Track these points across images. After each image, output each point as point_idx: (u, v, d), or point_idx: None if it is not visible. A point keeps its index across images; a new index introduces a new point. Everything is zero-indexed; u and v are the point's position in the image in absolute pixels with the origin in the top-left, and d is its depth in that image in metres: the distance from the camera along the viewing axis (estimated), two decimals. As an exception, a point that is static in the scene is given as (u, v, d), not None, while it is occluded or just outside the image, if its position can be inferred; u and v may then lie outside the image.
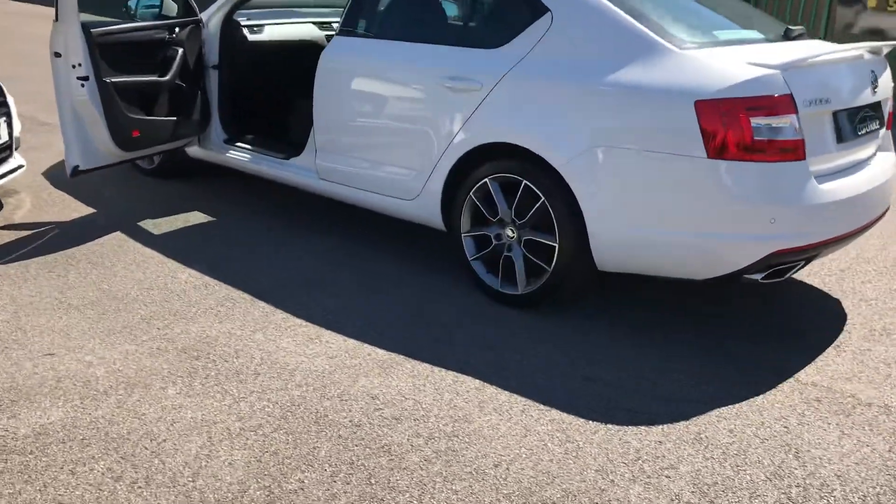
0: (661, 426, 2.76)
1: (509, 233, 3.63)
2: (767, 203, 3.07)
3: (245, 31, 4.98)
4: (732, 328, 3.53)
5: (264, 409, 2.76)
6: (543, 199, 3.43)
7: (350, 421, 2.71)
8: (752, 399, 2.96)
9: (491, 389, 2.95)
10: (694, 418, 2.82)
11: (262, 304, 3.57)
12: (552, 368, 3.12)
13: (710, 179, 3.07)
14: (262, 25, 5.07)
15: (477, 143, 3.61)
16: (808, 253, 3.21)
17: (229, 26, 4.85)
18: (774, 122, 3.03)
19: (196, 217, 4.66)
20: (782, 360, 3.25)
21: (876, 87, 3.50)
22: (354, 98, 4.07)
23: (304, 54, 5.21)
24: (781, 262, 3.18)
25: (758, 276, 3.20)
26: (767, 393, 3.01)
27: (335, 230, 4.58)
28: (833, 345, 3.42)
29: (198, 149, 5.01)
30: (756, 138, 3.01)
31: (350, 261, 4.13)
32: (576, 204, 3.36)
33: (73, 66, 3.95)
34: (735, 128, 3.01)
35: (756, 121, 3.01)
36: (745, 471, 2.54)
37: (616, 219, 3.27)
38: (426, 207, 3.91)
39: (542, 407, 2.86)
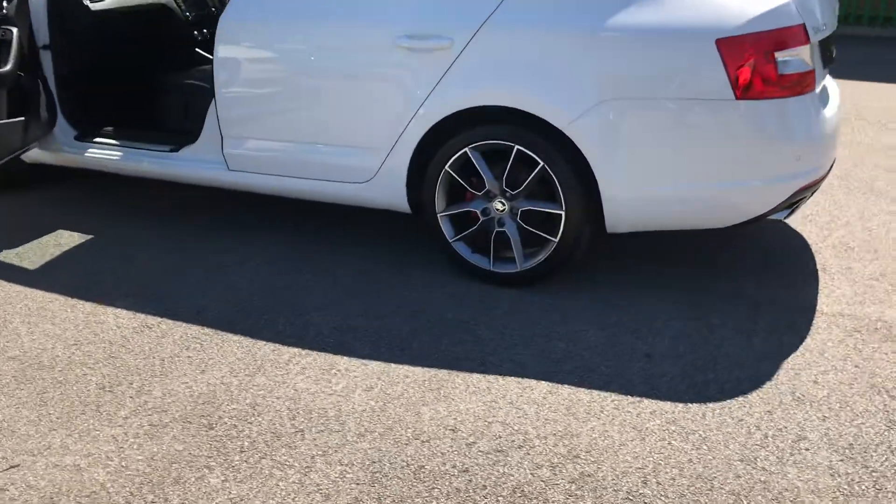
0: (755, 393, 2.58)
1: (498, 206, 3.23)
2: (794, 140, 2.94)
3: (82, -2, 4.00)
4: (728, 275, 3.43)
5: (344, 475, 2.21)
6: (542, 164, 3.07)
7: (453, 467, 2.25)
8: (803, 344, 2.88)
9: (565, 390, 2.60)
10: (774, 377, 2.67)
11: (234, 337, 2.91)
12: (606, 351, 2.83)
13: (738, 122, 2.88)
14: (99, -10, 4.09)
15: (452, 109, 3.14)
16: (816, 188, 3.15)
17: (59, -6, 3.87)
18: (793, 54, 2.88)
19: (66, 237, 3.75)
20: (794, 296, 3.20)
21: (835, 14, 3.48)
22: (275, 71, 3.40)
23: (155, 22, 4.34)
24: (798, 200, 3.09)
25: (781, 216, 3.09)
26: (812, 334, 2.93)
27: (270, 228, 3.89)
28: (820, 269, 3.43)
29: (39, 151, 4.02)
30: (781, 73, 2.85)
31: (313, 263, 3.51)
32: (584, 166, 3.03)
33: None
34: (761, 64, 2.82)
35: (780, 55, 2.84)
36: (863, 423, 2.43)
37: (632, 177, 3.00)
38: (386, 189, 3.39)
39: (631, 399, 2.56)
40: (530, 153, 3.08)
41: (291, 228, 3.88)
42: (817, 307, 3.13)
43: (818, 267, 3.49)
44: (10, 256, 3.53)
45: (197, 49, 4.52)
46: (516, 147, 3.10)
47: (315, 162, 3.46)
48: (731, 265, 3.49)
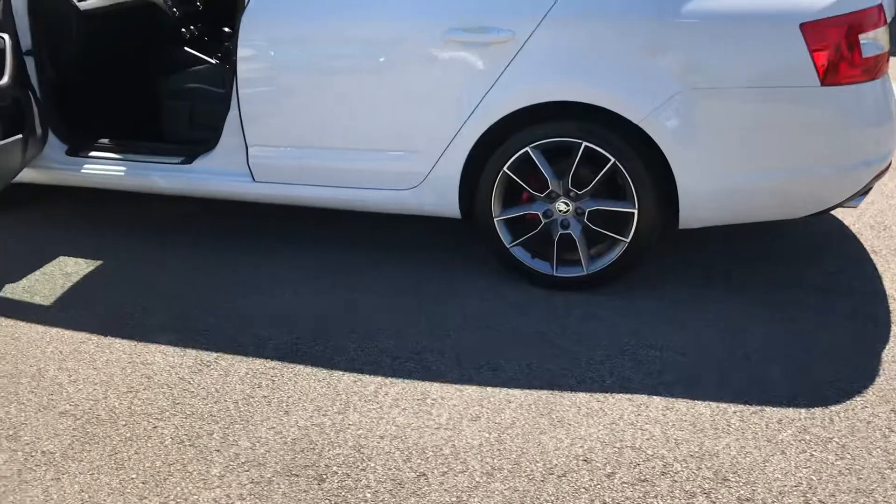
0: (870, 391, 2.49)
1: (562, 207, 3.05)
2: (873, 125, 2.85)
3: (68, -4, 3.57)
4: (787, 264, 3.35)
5: (491, 525, 2.00)
6: (614, 160, 2.90)
7: (612, 500, 2.07)
8: (893, 332, 2.80)
9: (681, 405, 2.45)
10: (881, 371, 2.59)
11: (306, 369, 2.64)
12: (701, 356, 2.69)
13: (821, 109, 2.76)
14: (84, -14, 3.67)
15: (515, 107, 2.93)
16: (885, 173, 3.08)
17: (42, -8, 3.46)
18: (872, 36, 2.77)
19: (71, 264, 3.38)
20: (859, 282, 3.13)
21: None
22: (308, 72, 3.12)
23: (142, 20, 3.95)
24: (870, 186, 3.01)
25: (856, 203, 3.01)
26: (888, 324, 2.86)
27: (293, 241, 3.59)
28: (870, 251, 3.38)
29: (27, 170, 3.61)
30: (864, 56, 2.74)
31: (356, 279, 3.25)
32: (660, 160, 2.88)
33: None
34: (845, 48, 2.71)
35: (863, 37, 2.74)
36: None
37: (711, 170, 2.86)
38: (435, 194, 3.16)
39: (751, 408, 2.43)
40: (600, 150, 2.90)
41: (318, 241, 3.60)
42: (887, 292, 3.07)
43: (867, 249, 3.43)
44: (19, 292, 3.15)
45: (186, 48, 4.14)
46: (584, 144, 2.91)
47: (354, 169, 3.20)
48: (783, 253, 3.40)
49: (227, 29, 4.18)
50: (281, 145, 3.23)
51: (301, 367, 2.65)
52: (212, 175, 3.39)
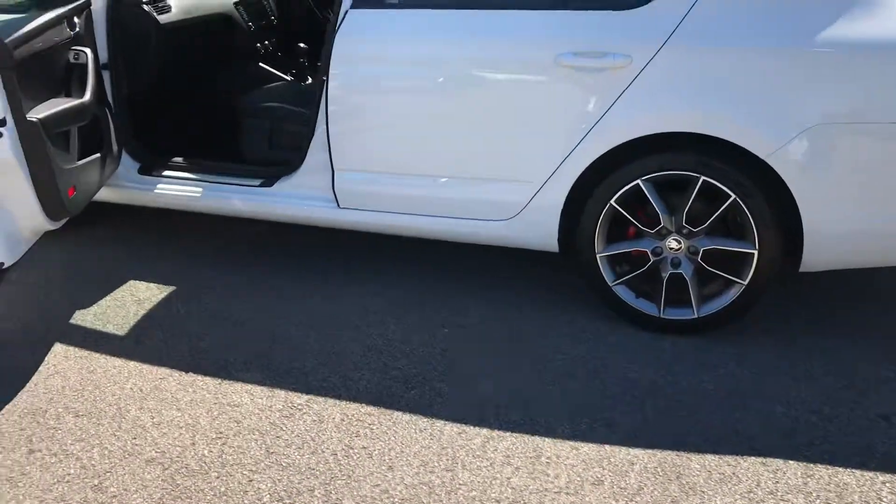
0: None
1: (673, 244, 2.83)
2: None
3: (149, 9, 3.42)
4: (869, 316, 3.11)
5: None
6: (734, 197, 2.68)
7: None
8: None
9: (822, 472, 2.22)
10: None
11: (405, 416, 2.45)
12: (832, 414, 2.46)
13: (969, 147, 2.53)
14: (164, -1, 3.52)
15: (629, 136, 2.72)
16: None
17: (121, 4, 3.30)
18: None
19: (143, 289, 3.22)
20: None
21: None
22: (404, 95, 2.93)
23: (219, 35, 3.80)
24: None
25: None
26: None
27: (371, 269, 3.41)
28: None
29: (97, 188, 3.45)
30: None
31: (444, 314, 3.05)
32: (785, 198, 2.65)
33: (-21, 107, 2.34)
34: None
35: None
36: None
37: (843, 210, 2.63)
38: (533, 226, 2.96)
39: (903, 478, 2.19)
40: (720, 185, 2.69)
41: (404, 271, 3.40)
42: None
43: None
44: (90, 319, 2.99)
45: (261, 64, 3.99)
46: (702, 178, 2.70)
47: (447, 197, 3.01)
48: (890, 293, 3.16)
49: (302, 45, 4.02)
50: (370, 170, 3.05)
51: (399, 413, 2.45)
52: (293, 199, 3.22)
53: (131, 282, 3.28)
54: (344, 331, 2.92)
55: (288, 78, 4.00)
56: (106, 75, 3.28)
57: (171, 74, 3.58)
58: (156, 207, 3.48)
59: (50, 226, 2.73)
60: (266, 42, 4.06)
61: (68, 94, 2.88)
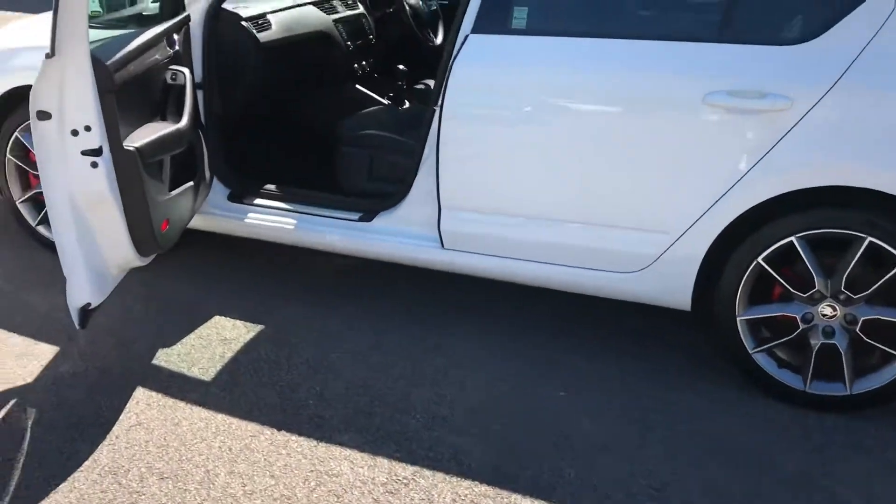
0: None
1: (827, 311, 2.49)
2: None
3: (248, 26, 3.20)
4: None
5: None
6: (906, 262, 2.33)
7: None
8: None
9: None
10: None
11: (522, 500, 2.15)
12: None
13: None
14: (264, 16, 3.30)
15: (787, 188, 2.40)
16: None
17: (219, 21, 3.10)
18: None
19: (229, 328, 2.99)
20: None
21: None
22: (527, 131, 2.65)
23: (316, 56, 3.58)
24: None
25: None
26: None
27: (476, 316, 3.12)
28: None
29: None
30: None
31: (554, 374, 2.75)
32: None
33: (75, 133, 2.13)
34: None
35: None
36: None
37: None
38: (663, 281, 2.65)
39: None
40: (887, 246, 2.34)
41: (509, 324, 3.11)
42: None
43: None
44: (175, 360, 2.76)
45: (357, 85, 3.75)
46: (868, 239, 2.35)
47: (565, 244, 2.72)
48: None
49: (401, 67, 3.77)
50: (483, 211, 2.78)
51: (517, 497, 2.16)
52: (393, 236, 2.96)
53: (217, 318, 3.06)
54: (449, 387, 2.64)
55: (385, 102, 3.75)
56: (199, 95, 3.08)
57: (265, 95, 3.36)
58: (243, 237, 3.25)
59: (139, 262, 2.52)
60: (363, 62, 3.82)
61: (163, 118, 2.67)
